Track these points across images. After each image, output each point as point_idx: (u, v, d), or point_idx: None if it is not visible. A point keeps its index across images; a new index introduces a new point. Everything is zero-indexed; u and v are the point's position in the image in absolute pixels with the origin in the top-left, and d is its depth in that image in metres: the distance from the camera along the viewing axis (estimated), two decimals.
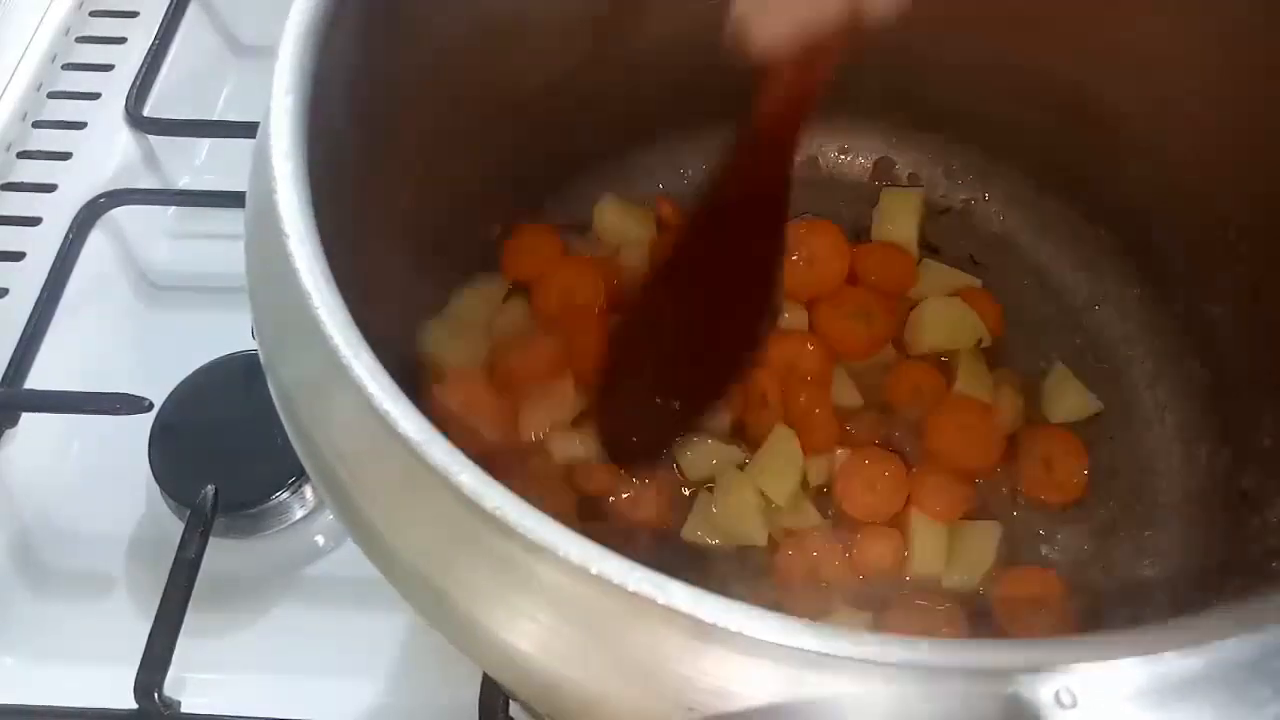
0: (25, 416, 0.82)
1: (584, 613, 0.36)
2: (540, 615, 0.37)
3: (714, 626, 0.33)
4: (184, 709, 0.68)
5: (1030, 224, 0.84)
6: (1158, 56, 0.68)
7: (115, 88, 0.99)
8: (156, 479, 0.76)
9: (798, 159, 0.68)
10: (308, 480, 0.75)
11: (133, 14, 1.05)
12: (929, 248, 0.84)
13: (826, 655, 0.32)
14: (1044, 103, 0.76)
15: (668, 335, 0.72)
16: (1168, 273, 0.78)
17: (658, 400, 0.71)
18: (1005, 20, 0.72)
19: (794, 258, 0.80)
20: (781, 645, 0.32)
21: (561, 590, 0.36)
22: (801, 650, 0.32)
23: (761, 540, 0.70)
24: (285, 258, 0.41)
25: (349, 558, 0.75)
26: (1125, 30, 0.69)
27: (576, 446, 0.72)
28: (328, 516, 0.77)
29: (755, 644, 0.32)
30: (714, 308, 0.69)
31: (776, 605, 0.34)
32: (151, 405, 0.77)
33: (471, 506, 0.35)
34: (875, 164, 0.88)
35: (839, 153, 0.88)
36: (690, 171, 0.87)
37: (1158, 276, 0.79)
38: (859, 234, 0.84)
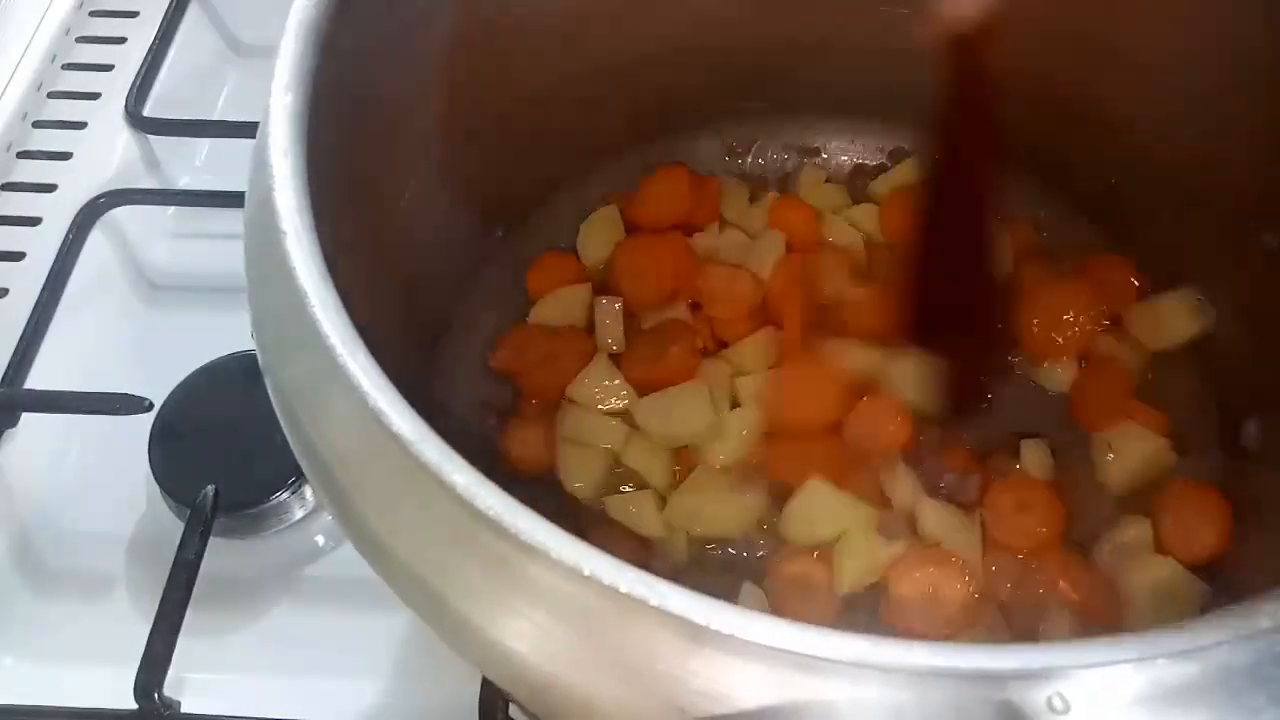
0: (25, 416, 0.82)
1: (576, 613, 0.36)
2: (533, 615, 0.37)
3: (706, 629, 0.32)
4: (184, 709, 0.68)
5: (1031, 224, 0.84)
6: (1159, 58, 0.68)
7: (115, 88, 0.99)
8: (156, 479, 0.76)
9: None
10: (308, 480, 0.75)
11: (133, 14, 1.05)
12: None
13: (818, 658, 0.32)
14: (1045, 104, 0.76)
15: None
16: (1169, 273, 0.78)
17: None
18: (1005, 21, 0.72)
19: None
20: (773, 648, 0.32)
21: (554, 591, 0.36)
22: (793, 653, 0.32)
23: None
24: (283, 256, 0.41)
25: (349, 558, 0.74)
26: (1126, 32, 0.69)
27: None
28: (328, 516, 0.77)
29: (747, 646, 0.32)
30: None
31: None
32: (151, 405, 0.77)
33: (465, 506, 0.35)
34: (876, 163, 0.88)
35: (840, 153, 0.88)
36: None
37: (1159, 277, 0.78)
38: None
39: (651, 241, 0.83)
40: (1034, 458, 0.74)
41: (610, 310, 0.80)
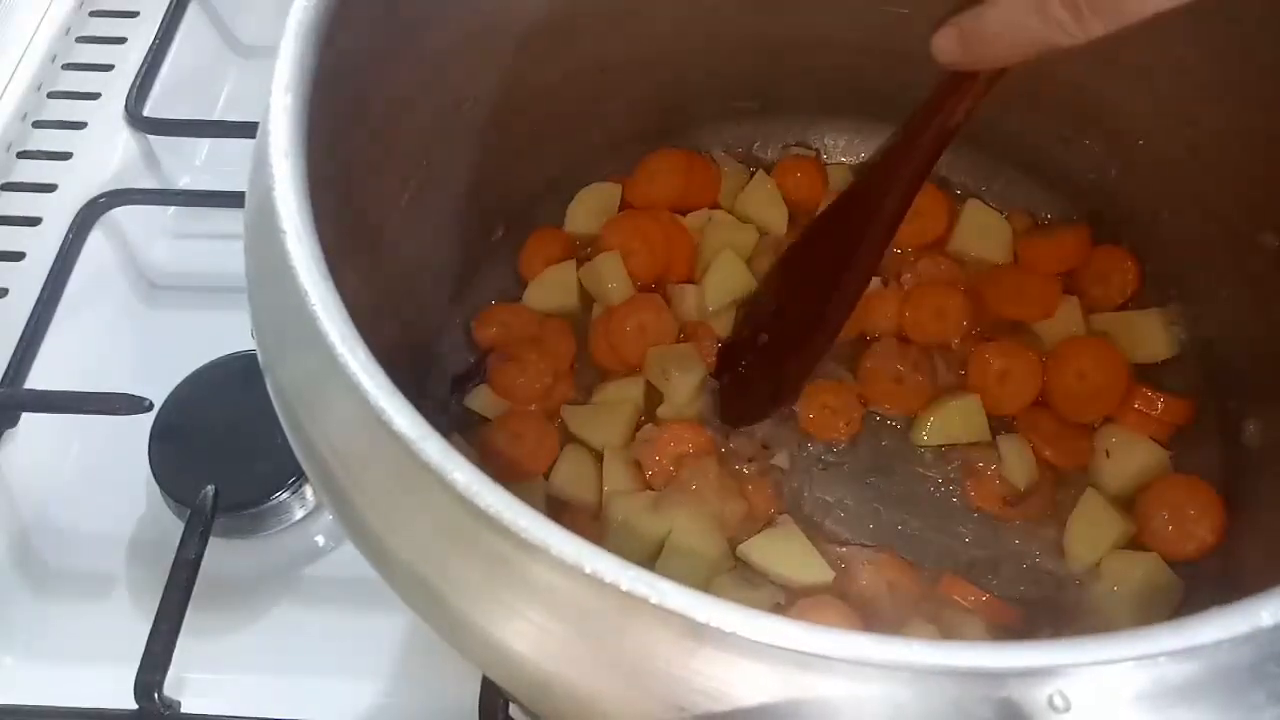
0: (25, 416, 0.82)
1: (577, 612, 0.36)
2: (533, 614, 0.37)
3: (706, 626, 0.32)
4: (184, 709, 0.68)
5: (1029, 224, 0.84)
6: (1158, 58, 0.68)
7: (115, 88, 0.99)
8: (156, 479, 0.76)
9: None
10: (308, 480, 0.74)
11: (133, 14, 1.05)
12: None
13: (819, 656, 0.32)
14: (1044, 104, 0.76)
15: (780, 312, 0.76)
16: (1168, 272, 0.78)
17: (763, 375, 0.76)
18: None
19: None
20: (774, 646, 0.32)
21: (555, 589, 0.36)
22: (794, 651, 0.32)
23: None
24: (283, 255, 0.41)
25: (349, 558, 0.75)
26: (1126, 31, 0.68)
27: None
28: (328, 516, 0.77)
29: (748, 644, 0.32)
30: (819, 289, 0.71)
31: None
32: (151, 405, 0.77)
33: (466, 505, 0.35)
34: None
35: (840, 153, 0.88)
36: None
37: (1157, 275, 0.79)
38: None
39: (641, 218, 0.83)
40: (1013, 451, 0.74)
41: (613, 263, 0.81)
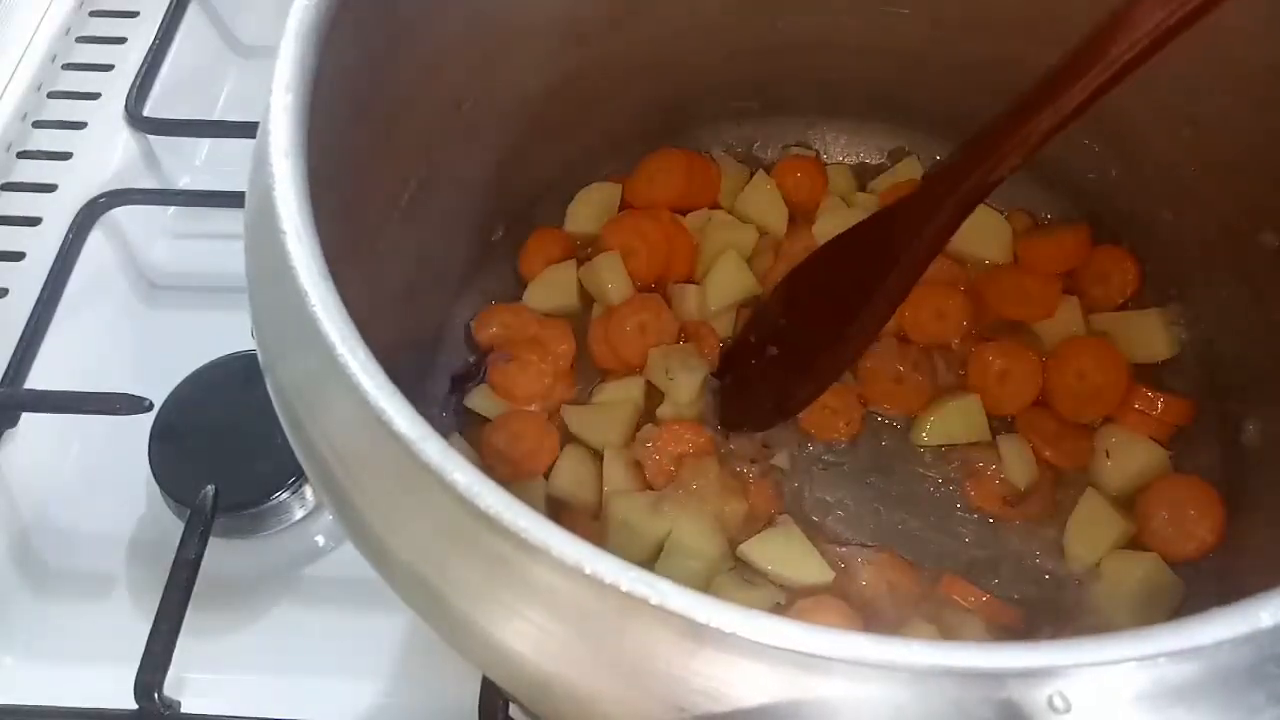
0: (25, 416, 0.82)
1: (577, 612, 0.36)
2: (534, 614, 0.37)
3: (706, 627, 0.32)
4: (184, 709, 0.68)
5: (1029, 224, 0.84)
6: (1158, 59, 0.68)
7: (115, 88, 0.99)
8: (156, 479, 0.76)
9: None
10: (308, 480, 0.74)
11: (133, 14, 1.05)
12: None
13: (819, 657, 0.32)
14: None
15: (791, 328, 0.75)
16: (1168, 272, 0.78)
17: (767, 385, 0.75)
18: (1005, 22, 0.72)
19: None
20: (774, 646, 0.32)
21: (555, 590, 0.36)
22: (794, 652, 0.32)
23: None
24: (283, 256, 0.41)
25: (349, 558, 0.75)
26: None
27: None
28: (328, 516, 0.77)
29: (748, 645, 0.32)
30: (836, 313, 0.70)
31: None
32: (151, 405, 0.77)
33: (466, 505, 0.35)
34: (876, 163, 0.88)
35: (840, 153, 0.88)
36: None
37: (1157, 275, 0.79)
38: None
39: (641, 218, 0.83)
40: (1013, 451, 0.74)
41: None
